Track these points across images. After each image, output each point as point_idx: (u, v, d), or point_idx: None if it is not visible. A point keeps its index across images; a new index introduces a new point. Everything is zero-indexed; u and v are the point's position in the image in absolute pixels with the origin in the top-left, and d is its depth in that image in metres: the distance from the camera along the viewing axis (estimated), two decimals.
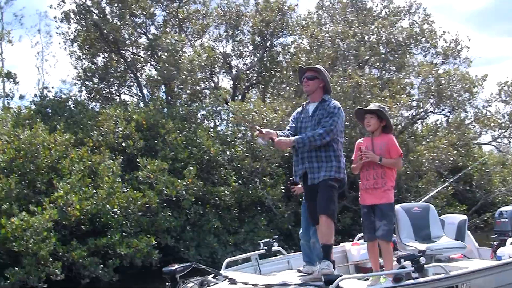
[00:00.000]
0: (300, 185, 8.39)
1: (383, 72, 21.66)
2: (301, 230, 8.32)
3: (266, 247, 8.94)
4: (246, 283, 7.04)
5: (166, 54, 19.84)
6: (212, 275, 7.64)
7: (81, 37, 21.87)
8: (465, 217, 9.87)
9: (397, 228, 9.19)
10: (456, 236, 9.47)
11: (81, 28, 21.73)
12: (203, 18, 22.98)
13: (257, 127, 7.88)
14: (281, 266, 9.02)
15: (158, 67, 20.45)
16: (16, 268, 12.26)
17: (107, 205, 13.82)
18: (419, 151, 18.61)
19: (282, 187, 16.91)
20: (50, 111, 18.41)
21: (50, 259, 12.56)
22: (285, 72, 21.48)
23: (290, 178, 8.57)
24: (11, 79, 22.34)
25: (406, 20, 22.54)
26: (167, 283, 7.24)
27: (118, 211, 13.94)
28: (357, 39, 19.87)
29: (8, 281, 12.14)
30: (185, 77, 19.90)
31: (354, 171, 8.14)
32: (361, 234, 9.38)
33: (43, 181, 14.12)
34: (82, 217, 13.54)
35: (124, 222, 13.91)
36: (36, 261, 12.39)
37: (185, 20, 22.56)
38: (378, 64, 21.41)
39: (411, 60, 21.72)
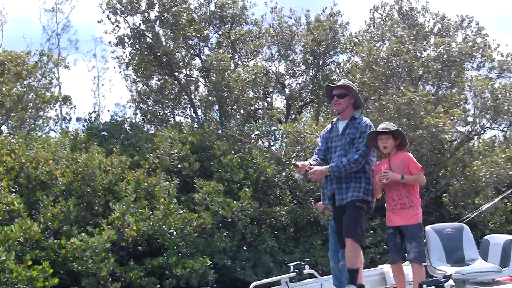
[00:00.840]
0: (320, 202, 8.11)
1: (437, 88, 21.43)
2: (329, 253, 8.16)
3: (296, 270, 8.70)
4: None
5: (216, 75, 20.00)
6: None
7: (135, 60, 22.26)
8: (510, 237, 9.01)
9: (427, 250, 8.52)
10: (501, 257, 8.75)
11: (135, 52, 22.11)
12: (255, 39, 23.10)
13: (294, 162, 7.67)
14: None
15: (210, 87, 20.62)
16: None
17: (164, 226, 13.94)
18: (476, 166, 18.31)
19: None
20: (106, 133, 18.70)
21: (110, 279, 12.73)
22: None
23: (316, 194, 8.50)
24: (68, 103, 22.81)
25: (459, 35, 22.32)
26: None
27: (175, 232, 14.06)
28: (410, 55, 19.72)
29: None
30: (237, 97, 20.02)
31: (376, 194, 7.67)
32: None
33: (100, 203, 14.35)
34: (138, 238, 13.71)
35: (180, 243, 14.01)
36: (96, 281, 12.57)
37: (238, 41, 22.70)
38: (432, 80, 21.18)
39: (465, 75, 21.43)
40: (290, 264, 8.96)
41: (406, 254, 7.43)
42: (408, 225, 7.38)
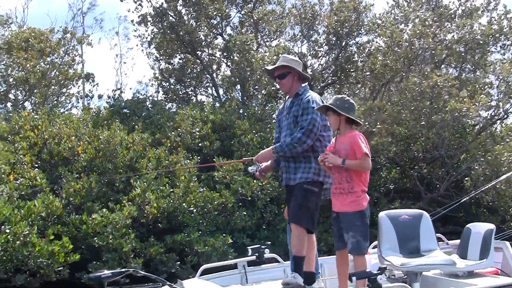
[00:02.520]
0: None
1: (460, 71, 21.27)
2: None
3: (256, 254, 8.23)
4: None
5: (239, 55, 20.00)
6: (160, 284, 6.76)
7: (157, 39, 22.28)
8: (492, 226, 8.41)
9: (379, 239, 8.07)
10: (481, 247, 8.23)
11: (157, 31, 22.16)
12: (278, 19, 23.02)
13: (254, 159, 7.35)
14: (275, 274, 8.21)
15: (233, 67, 20.63)
16: (99, 263, 12.66)
17: (184, 204, 14.04)
18: (498, 150, 18.16)
19: None
20: (128, 111, 18.79)
21: (131, 255, 12.86)
22: (360, 72, 21.34)
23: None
24: (90, 80, 22.94)
25: (484, 17, 22.05)
26: None
27: (195, 210, 14.15)
28: (434, 38, 19.56)
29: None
30: (259, 77, 20.03)
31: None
32: (375, 242, 8.34)
33: (121, 180, 14.46)
34: (159, 215, 13.81)
35: (200, 221, 14.10)
36: (118, 256, 12.70)
37: (260, 21, 22.64)
38: (454, 63, 21.04)
39: (489, 59, 21.20)
40: (249, 247, 8.50)
41: (342, 239, 6.95)
42: (344, 212, 6.84)
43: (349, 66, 22.05)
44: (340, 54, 22.21)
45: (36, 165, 14.33)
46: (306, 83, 7.44)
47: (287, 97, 7.46)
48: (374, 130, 17.14)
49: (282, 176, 7.29)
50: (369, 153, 6.75)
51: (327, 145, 7.08)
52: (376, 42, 21.68)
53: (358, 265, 6.76)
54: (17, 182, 12.85)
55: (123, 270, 6.44)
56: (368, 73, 20.50)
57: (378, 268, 6.21)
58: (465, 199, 12.85)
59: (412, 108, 17.06)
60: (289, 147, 6.91)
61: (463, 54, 20.41)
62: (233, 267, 8.40)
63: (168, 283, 6.67)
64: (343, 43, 22.20)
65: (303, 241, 6.92)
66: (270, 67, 7.67)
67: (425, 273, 7.83)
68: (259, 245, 8.58)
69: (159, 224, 14.12)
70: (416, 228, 8.10)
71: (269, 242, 9.73)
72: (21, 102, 20.65)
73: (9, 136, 15.08)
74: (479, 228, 8.47)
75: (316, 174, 7.01)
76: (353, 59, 22.04)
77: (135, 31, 23.44)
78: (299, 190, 7.00)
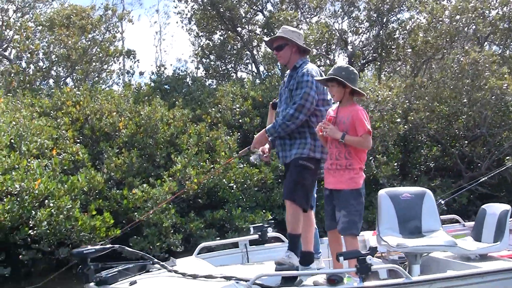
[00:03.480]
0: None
1: (504, 48, 20.92)
2: None
3: (259, 232, 7.77)
4: (184, 274, 6.17)
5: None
6: (150, 262, 6.54)
7: (198, 15, 22.30)
8: (508, 207, 7.85)
9: (378, 218, 7.62)
10: (496, 229, 7.76)
11: (198, 7, 22.16)
12: None
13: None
14: (279, 254, 7.25)
15: None
16: (139, 237, 12.80)
17: (224, 180, 14.09)
18: None
19: (395, 164, 16.61)
20: (168, 87, 18.89)
21: (171, 230, 12.97)
22: (401, 49, 21.11)
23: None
24: (131, 57, 23.05)
25: None
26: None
27: (235, 186, 14.20)
28: (476, 14, 19.24)
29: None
30: None
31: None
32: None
33: (162, 155, 14.56)
34: (199, 190, 13.89)
35: (240, 197, 14.15)
36: (158, 231, 12.82)
37: None
38: (498, 40, 20.70)
39: None
40: (251, 226, 8.14)
41: (335, 219, 6.52)
42: (340, 190, 6.41)
43: (390, 43, 21.80)
44: (381, 31, 21.97)
45: (78, 141, 14.52)
46: (307, 56, 7.09)
47: (288, 71, 7.09)
48: (414, 107, 16.95)
49: (279, 155, 6.96)
50: (371, 131, 6.39)
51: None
52: (418, 18, 21.43)
53: (349, 245, 6.38)
54: (60, 157, 13.01)
55: (107, 246, 6.29)
56: (409, 50, 20.21)
57: (369, 248, 5.87)
58: (491, 174, 12.46)
59: (452, 86, 16.82)
60: (282, 127, 6.59)
61: (506, 31, 20.07)
62: (237, 245, 8.15)
63: (156, 260, 6.53)
64: (384, 20, 21.94)
65: (298, 219, 6.59)
66: (267, 39, 7.40)
67: (434, 255, 7.56)
68: (261, 224, 8.47)
69: (199, 200, 14.20)
70: (418, 207, 7.63)
71: (273, 220, 9.49)
72: (63, 79, 20.85)
73: (51, 111, 15.29)
74: (494, 209, 8.04)
75: (312, 150, 6.67)
76: (394, 36, 21.76)
77: (175, 7, 23.50)
78: (294, 166, 6.67)
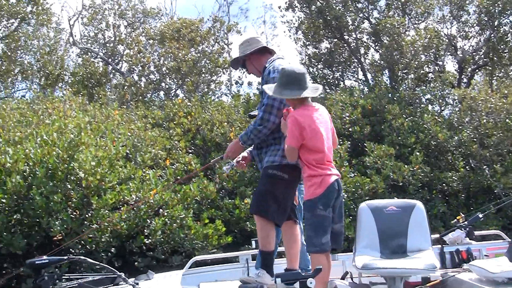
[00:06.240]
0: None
1: None
2: None
3: None
4: None
5: (388, 38, 19.73)
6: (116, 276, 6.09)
7: (305, 24, 22.36)
8: None
9: (356, 234, 6.83)
10: None
11: (305, 16, 22.23)
12: (426, 0, 22.48)
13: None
14: (280, 270, 6.23)
15: (381, 51, 20.37)
16: (250, 246, 12.88)
17: None
18: None
19: None
20: None
21: None
22: None
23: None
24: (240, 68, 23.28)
25: None
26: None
27: (346, 195, 14.10)
28: None
29: None
30: (408, 60, 19.69)
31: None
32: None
33: None
34: None
35: (351, 206, 14.04)
36: None
37: (408, 3, 22.17)
38: None
39: None
40: (253, 239, 7.55)
41: None
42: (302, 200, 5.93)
43: (502, 46, 21.15)
44: (493, 34, 21.35)
45: (190, 151, 14.81)
46: (276, 54, 6.53)
47: None
48: None
49: (258, 166, 6.44)
50: (292, 145, 5.73)
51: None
52: None
53: (312, 263, 5.77)
54: (173, 167, 13.29)
55: (64, 257, 6.04)
56: None
57: (315, 269, 5.16)
58: None
59: None
60: (254, 132, 6.06)
61: None
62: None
63: (118, 273, 6.14)
64: (496, 23, 21.33)
65: (268, 234, 5.97)
66: (233, 63, 7.03)
67: (460, 277, 6.66)
68: None
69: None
70: (404, 222, 6.68)
71: None
72: (173, 90, 21.34)
73: (164, 122, 15.68)
74: None
75: (284, 156, 5.93)
76: (507, 39, 21.14)
77: (282, 17, 23.71)
78: (264, 176, 6.10)
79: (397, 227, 6.64)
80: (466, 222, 8.28)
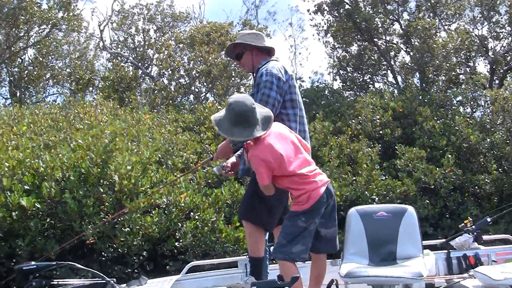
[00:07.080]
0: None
1: None
2: None
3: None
4: None
5: (419, 40, 19.64)
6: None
7: (334, 27, 22.35)
8: None
9: (345, 240, 6.39)
10: None
11: (334, 19, 22.23)
12: (457, 1, 22.34)
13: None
14: None
15: (412, 53, 20.29)
16: None
17: (366, 192, 13.97)
18: None
19: None
20: (307, 100, 18.96)
21: None
22: None
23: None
24: None
25: None
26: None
27: (377, 198, 14.04)
28: None
29: None
30: (439, 62, 19.58)
31: None
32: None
33: None
34: (341, 203, 13.82)
35: None
36: None
37: (438, 4, 22.06)
38: None
39: None
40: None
41: None
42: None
43: None
44: None
45: None
46: (274, 56, 6.29)
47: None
48: None
49: (240, 168, 6.15)
50: (267, 182, 5.39)
51: (291, 126, 5.89)
52: None
53: (281, 270, 5.46)
54: (204, 170, 13.30)
55: (53, 263, 5.86)
56: None
57: (292, 278, 4.93)
58: None
59: None
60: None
61: None
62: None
63: (108, 279, 5.85)
64: None
65: (257, 240, 5.85)
66: (229, 48, 6.57)
67: (464, 284, 6.48)
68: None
69: (341, 212, 14.12)
70: (394, 228, 6.33)
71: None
72: (203, 94, 21.39)
73: (194, 126, 15.69)
74: None
75: None
76: None
77: (311, 20, 23.73)
78: (252, 181, 5.83)
79: (387, 233, 6.33)
80: (473, 226, 8.13)
